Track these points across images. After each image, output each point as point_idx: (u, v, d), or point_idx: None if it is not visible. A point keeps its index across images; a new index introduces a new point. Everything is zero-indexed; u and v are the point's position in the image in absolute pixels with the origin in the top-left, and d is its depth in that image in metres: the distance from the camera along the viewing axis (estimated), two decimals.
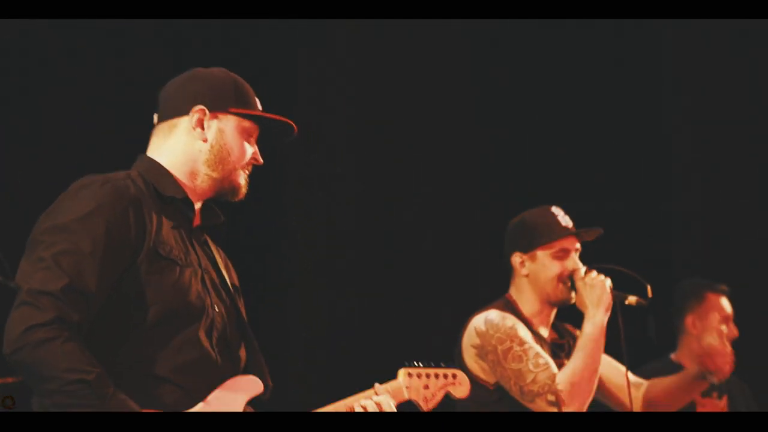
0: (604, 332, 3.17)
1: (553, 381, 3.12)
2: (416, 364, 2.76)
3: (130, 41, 5.39)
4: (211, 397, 2.37)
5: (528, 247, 3.29)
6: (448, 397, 2.91)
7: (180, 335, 2.30)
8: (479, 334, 3.20)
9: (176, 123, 2.44)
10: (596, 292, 3.18)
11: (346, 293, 5.67)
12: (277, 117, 2.49)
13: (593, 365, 3.15)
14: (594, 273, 3.23)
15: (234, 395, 2.44)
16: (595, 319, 3.16)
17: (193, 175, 2.41)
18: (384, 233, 5.84)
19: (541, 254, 3.28)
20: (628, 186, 5.99)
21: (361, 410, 2.54)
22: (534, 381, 3.12)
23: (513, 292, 3.34)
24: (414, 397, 2.73)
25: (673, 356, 4.21)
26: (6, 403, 2.37)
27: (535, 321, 3.30)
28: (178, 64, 3.58)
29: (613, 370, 3.43)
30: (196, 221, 2.45)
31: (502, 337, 3.18)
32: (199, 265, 2.40)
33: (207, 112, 2.40)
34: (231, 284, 2.51)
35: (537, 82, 6.41)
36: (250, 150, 2.44)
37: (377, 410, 2.55)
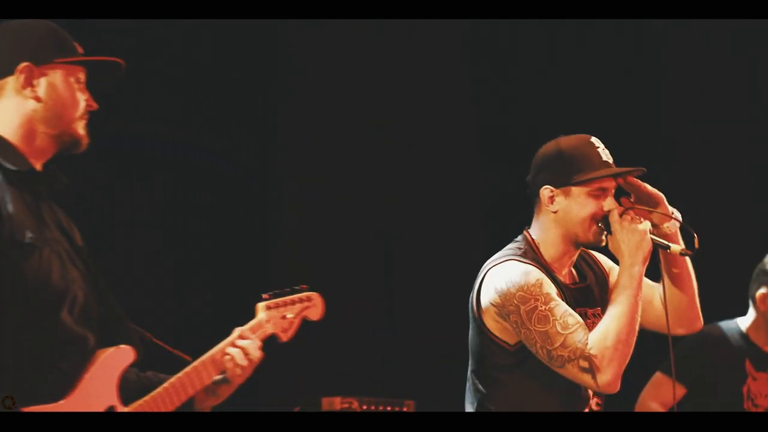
0: (641, 285, 2.84)
1: (586, 345, 2.79)
2: (271, 294, 2.70)
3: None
4: (86, 378, 2.34)
5: (563, 181, 2.93)
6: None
7: (48, 321, 2.25)
8: (500, 293, 2.87)
9: (2, 85, 2.34)
10: (636, 238, 2.84)
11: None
12: (104, 57, 2.44)
13: (631, 324, 2.80)
14: (634, 216, 2.90)
15: (105, 371, 2.39)
16: (633, 270, 2.83)
17: (30, 136, 2.32)
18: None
19: (577, 190, 2.91)
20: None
21: (230, 359, 2.47)
22: (563, 345, 2.80)
23: (535, 230, 2.99)
24: (275, 330, 2.66)
25: (741, 324, 4.18)
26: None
27: (556, 266, 2.96)
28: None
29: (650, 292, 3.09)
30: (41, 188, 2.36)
31: (526, 295, 2.85)
32: (54, 239, 2.32)
33: (33, 68, 2.31)
34: (81, 247, 2.42)
35: (538, 80, 6.45)
36: (83, 98, 2.38)
37: (244, 356, 2.49)
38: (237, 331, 2.49)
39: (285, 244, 6.32)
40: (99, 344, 2.38)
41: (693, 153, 6.06)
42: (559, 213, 2.89)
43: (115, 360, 2.41)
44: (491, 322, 2.86)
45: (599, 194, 2.87)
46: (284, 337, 2.63)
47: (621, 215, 2.84)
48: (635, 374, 4.18)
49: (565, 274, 2.95)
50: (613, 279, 2.97)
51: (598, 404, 3.01)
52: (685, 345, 3.97)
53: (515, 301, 2.79)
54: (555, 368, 2.79)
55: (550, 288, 2.81)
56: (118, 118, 5.70)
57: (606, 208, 2.86)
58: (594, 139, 2.92)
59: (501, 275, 2.83)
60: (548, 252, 2.91)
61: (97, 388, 2.35)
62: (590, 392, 2.97)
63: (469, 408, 2.98)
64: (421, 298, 3.99)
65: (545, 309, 2.78)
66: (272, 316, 2.62)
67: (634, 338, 2.78)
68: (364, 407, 4.83)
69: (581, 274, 2.99)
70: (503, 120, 6.61)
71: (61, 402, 2.25)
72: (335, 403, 4.83)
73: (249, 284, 5.77)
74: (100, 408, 2.33)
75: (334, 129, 6.37)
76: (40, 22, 2.42)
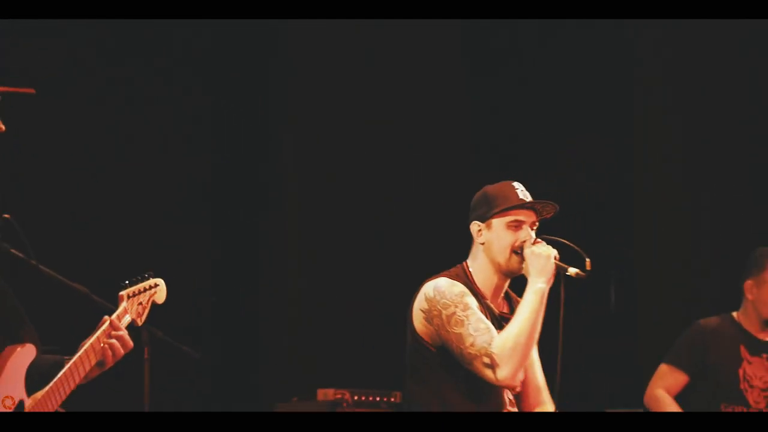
0: (545, 301, 3.32)
1: (490, 345, 3.29)
2: (127, 282, 3.03)
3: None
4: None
5: (485, 216, 3.46)
6: None
7: None
8: (428, 299, 3.40)
9: None
10: (541, 261, 3.36)
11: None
12: (11, 89, 2.78)
13: (530, 331, 3.30)
14: (541, 243, 3.40)
15: (14, 367, 2.77)
16: (536, 287, 3.33)
17: None
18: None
19: (497, 223, 3.45)
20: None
21: (108, 349, 2.84)
22: (472, 345, 3.31)
23: (470, 260, 3.51)
24: (133, 317, 3.01)
25: (734, 314, 4.65)
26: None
27: (487, 292, 3.48)
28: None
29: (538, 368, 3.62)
30: None
31: (448, 302, 3.38)
32: None
33: None
34: None
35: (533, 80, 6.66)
36: None
37: (121, 346, 2.85)
38: (107, 319, 2.87)
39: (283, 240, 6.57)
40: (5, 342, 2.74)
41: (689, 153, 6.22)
42: (486, 244, 3.42)
43: (21, 357, 2.79)
44: (420, 326, 3.39)
45: (516, 225, 3.39)
46: (139, 322, 3.01)
47: (533, 243, 3.36)
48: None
49: (498, 303, 3.47)
50: None
51: (511, 403, 3.49)
52: (685, 336, 4.68)
53: (439, 307, 3.32)
54: (465, 365, 3.28)
55: (471, 300, 3.33)
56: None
57: (522, 238, 3.38)
58: (515, 183, 3.46)
59: (432, 286, 3.37)
60: (479, 279, 3.44)
61: (8, 383, 2.73)
62: (506, 398, 3.45)
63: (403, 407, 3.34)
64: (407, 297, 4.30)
65: (462, 315, 3.31)
66: (131, 305, 2.98)
67: (533, 343, 3.31)
68: (356, 398, 5.32)
69: (511, 307, 3.48)
70: (497, 120, 6.84)
71: None
72: (329, 394, 5.32)
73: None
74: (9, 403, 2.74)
75: (330, 128, 6.55)
76: None
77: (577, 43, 6.73)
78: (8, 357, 2.74)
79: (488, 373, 3.34)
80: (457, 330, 3.38)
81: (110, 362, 2.88)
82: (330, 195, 6.49)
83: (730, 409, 4.63)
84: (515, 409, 3.55)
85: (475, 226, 3.50)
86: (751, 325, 4.63)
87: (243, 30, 6.57)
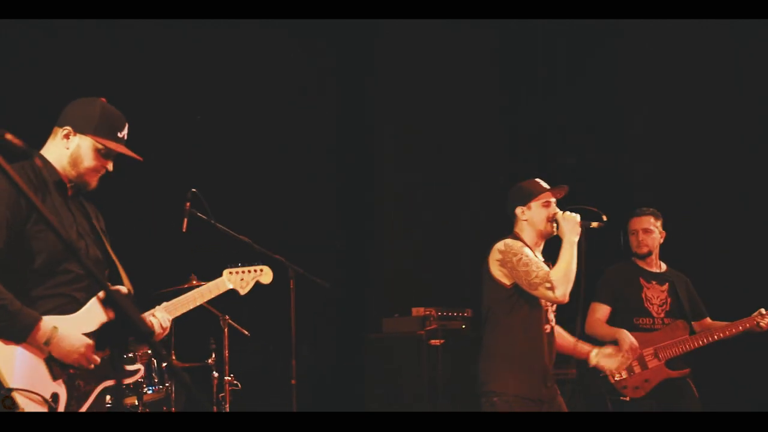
0: (575, 246, 4.33)
1: (548, 274, 4.28)
2: (236, 265, 3.89)
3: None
4: (89, 304, 3.21)
5: (525, 201, 4.51)
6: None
7: (63, 265, 3.16)
8: (500, 251, 4.38)
9: (56, 131, 3.33)
10: (570, 224, 4.37)
11: None
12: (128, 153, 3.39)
13: (571, 265, 4.29)
14: (568, 212, 4.42)
15: (98, 304, 3.22)
16: (571, 240, 4.34)
17: (63, 168, 3.31)
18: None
19: (534, 205, 4.49)
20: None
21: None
22: (537, 276, 4.29)
23: (518, 231, 4.52)
24: (233, 286, 3.87)
25: (633, 258, 5.65)
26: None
27: (533, 248, 4.46)
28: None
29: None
30: (70, 192, 3.32)
31: (516, 252, 4.35)
32: (74, 220, 3.27)
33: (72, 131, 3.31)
34: (99, 228, 3.39)
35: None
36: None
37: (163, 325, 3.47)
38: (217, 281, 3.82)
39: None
40: (105, 280, 3.11)
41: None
42: (529, 220, 4.50)
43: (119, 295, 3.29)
44: (496, 272, 4.41)
45: (547, 204, 4.48)
46: (242, 292, 3.91)
47: (563, 213, 4.41)
48: None
49: (538, 254, 4.47)
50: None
51: (550, 324, 4.46)
52: (603, 281, 5.64)
53: (510, 255, 4.35)
54: (532, 291, 4.31)
55: (529, 251, 4.39)
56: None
57: (552, 212, 4.46)
58: (538, 179, 4.55)
59: (502, 243, 4.41)
60: (527, 240, 4.47)
61: (92, 311, 3.21)
62: (547, 318, 4.43)
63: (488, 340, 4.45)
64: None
65: (526, 259, 4.34)
66: (231, 279, 3.86)
67: (574, 273, 4.29)
68: (440, 313, 6.26)
69: (545, 260, 4.51)
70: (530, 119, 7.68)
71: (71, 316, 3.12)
72: (420, 311, 6.28)
73: None
74: (95, 324, 3.19)
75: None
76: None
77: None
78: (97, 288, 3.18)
79: (549, 293, 4.30)
80: (524, 268, 4.32)
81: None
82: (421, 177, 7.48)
83: (640, 321, 5.49)
84: (554, 326, 4.51)
85: (519, 210, 4.53)
86: (644, 264, 5.59)
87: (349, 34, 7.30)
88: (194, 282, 5.38)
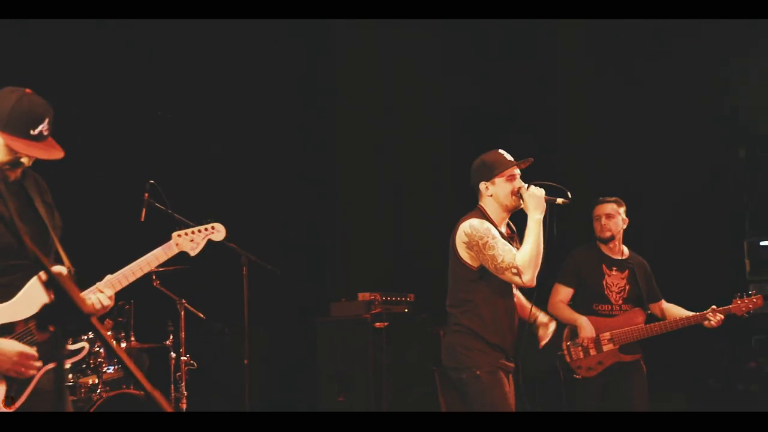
0: (541, 224, 4.13)
1: (514, 259, 4.10)
2: (185, 226, 3.56)
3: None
4: (27, 286, 3.10)
5: (490, 176, 4.29)
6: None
7: (3, 257, 3.05)
8: (467, 234, 4.19)
9: None
10: (535, 199, 4.17)
11: None
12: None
13: (538, 247, 4.10)
14: (533, 187, 4.22)
15: (38, 285, 3.07)
16: (535, 217, 4.14)
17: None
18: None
19: (498, 180, 4.28)
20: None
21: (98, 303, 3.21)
22: (503, 260, 4.11)
23: (482, 205, 4.31)
24: (184, 248, 3.50)
25: (597, 243, 5.74)
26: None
27: (497, 223, 4.27)
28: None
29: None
30: (12, 178, 3.14)
31: (482, 234, 4.15)
32: (8, 209, 2.91)
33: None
34: (41, 204, 3.21)
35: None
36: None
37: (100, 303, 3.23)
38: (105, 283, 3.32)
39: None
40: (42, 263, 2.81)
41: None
42: (494, 195, 4.29)
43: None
44: (463, 253, 4.24)
45: (511, 178, 4.27)
46: (192, 253, 3.53)
47: (527, 187, 4.24)
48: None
49: (503, 228, 4.33)
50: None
51: (515, 296, 4.39)
52: (567, 263, 5.76)
53: (476, 238, 4.16)
54: (499, 275, 4.15)
55: (495, 231, 4.20)
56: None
57: (517, 186, 4.27)
58: (500, 150, 4.34)
59: (468, 224, 4.22)
60: (493, 215, 4.30)
61: (31, 294, 3.10)
62: (514, 300, 4.34)
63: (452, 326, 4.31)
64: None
65: (492, 242, 4.15)
66: (181, 241, 3.50)
67: (541, 255, 4.11)
68: (384, 298, 6.43)
69: (511, 231, 4.41)
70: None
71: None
72: (366, 296, 6.45)
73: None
74: (36, 305, 3.06)
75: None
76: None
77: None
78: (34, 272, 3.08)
79: (516, 279, 4.12)
80: (491, 252, 4.14)
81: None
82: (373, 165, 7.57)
83: (599, 308, 5.59)
84: (517, 296, 4.39)
85: (482, 185, 4.30)
86: (607, 250, 5.68)
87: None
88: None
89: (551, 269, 4.32)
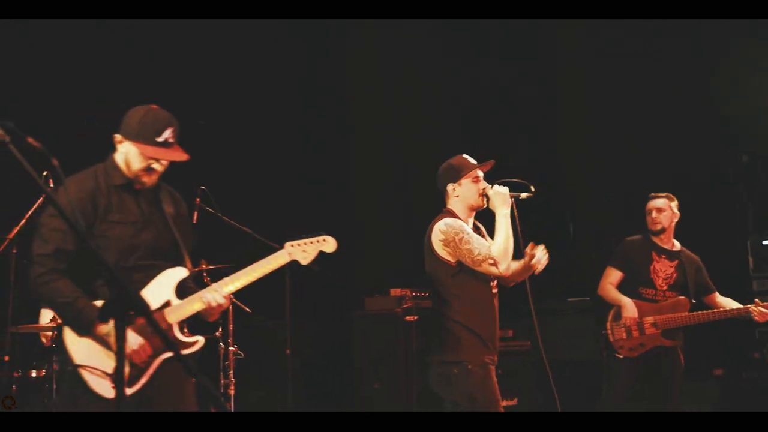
0: (509, 218, 4.31)
1: (489, 251, 4.28)
2: (297, 237, 3.64)
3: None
4: (152, 284, 3.45)
5: (456, 179, 4.48)
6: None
7: (133, 257, 3.41)
8: (442, 232, 4.35)
9: (115, 138, 3.51)
10: (501, 197, 4.37)
11: None
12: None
13: (509, 239, 4.29)
14: (497, 186, 4.40)
15: (162, 282, 3.47)
16: (502, 213, 4.34)
17: (124, 169, 3.52)
18: None
19: (465, 181, 4.47)
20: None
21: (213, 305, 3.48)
22: (479, 253, 4.29)
23: (450, 207, 4.49)
24: (295, 258, 3.60)
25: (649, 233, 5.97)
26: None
27: (465, 222, 4.46)
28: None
29: None
30: (138, 187, 3.50)
31: (457, 230, 4.32)
32: (141, 213, 3.47)
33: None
34: (170, 215, 3.56)
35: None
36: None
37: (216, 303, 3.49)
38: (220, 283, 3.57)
39: None
40: (165, 267, 3.46)
41: None
42: (460, 196, 4.50)
43: (174, 273, 3.50)
44: (440, 250, 4.38)
45: (476, 179, 4.47)
46: (303, 262, 3.64)
47: (492, 187, 4.43)
48: None
49: (470, 227, 4.49)
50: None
51: (495, 285, 4.48)
52: (619, 248, 6.00)
53: (452, 235, 4.33)
54: (476, 267, 4.29)
55: (468, 228, 4.42)
56: None
57: (482, 186, 4.46)
58: (465, 155, 4.53)
59: (442, 223, 4.40)
60: (461, 215, 4.48)
61: (158, 284, 3.44)
62: (493, 290, 4.44)
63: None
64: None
65: (467, 237, 4.33)
66: (293, 251, 3.61)
67: (512, 243, 4.29)
68: (413, 294, 6.70)
69: (476, 227, 4.58)
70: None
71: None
72: (397, 291, 6.70)
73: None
74: (160, 300, 3.40)
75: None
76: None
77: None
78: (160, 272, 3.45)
79: (492, 269, 4.28)
80: (467, 246, 4.31)
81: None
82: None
83: (644, 291, 5.79)
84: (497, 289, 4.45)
85: (450, 187, 4.50)
86: (658, 241, 5.91)
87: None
88: (204, 266, 5.94)
89: (518, 257, 4.46)
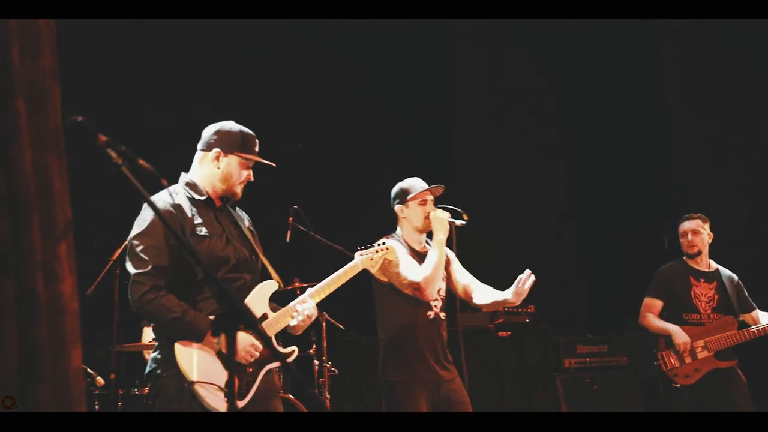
0: (444, 244, 4.52)
1: (416, 276, 4.47)
2: (364, 246, 3.98)
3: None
4: (249, 297, 3.56)
5: (404, 200, 4.69)
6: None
7: (221, 270, 3.50)
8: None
9: (205, 155, 3.68)
10: (439, 222, 4.57)
11: None
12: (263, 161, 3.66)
13: (438, 266, 4.48)
14: (439, 211, 4.58)
15: (258, 296, 3.62)
16: (438, 238, 4.54)
17: (213, 186, 3.66)
18: None
19: (412, 204, 4.68)
20: None
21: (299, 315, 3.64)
22: (405, 278, 4.50)
23: (399, 228, 4.73)
24: (365, 266, 4.00)
25: (684, 258, 5.99)
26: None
27: (412, 243, 4.68)
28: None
29: (462, 274, 4.78)
30: (218, 204, 3.64)
31: (388, 257, 4.29)
32: (223, 229, 3.59)
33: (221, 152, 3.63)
34: (247, 231, 3.70)
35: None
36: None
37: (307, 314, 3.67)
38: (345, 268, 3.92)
39: None
40: (254, 283, 3.60)
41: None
42: (407, 218, 4.71)
43: (266, 287, 3.65)
44: (377, 274, 4.55)
45: (423, 202, 4.67)
46: (372, 270, 4.08)
47: (434, 212, 4.59)
48: None
49: (421, 247, 4.70)
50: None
51: (437, 308, 4.62)
52: (656, 277, 6.02)
53: (385, 261, 4.33)
54: (404, 290, 4.50)
55: (402, 251, 4.56)
56: None
57: (428, 210, 4.65)
58: (416, 178, 4.71)
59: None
60: (407, 236, 4.70)
61: (255, 299, 3.58)
62: (433, 305, 4.58)
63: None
64: None
65: (397, 261, 4.50)
66: (363, 261, 3.99)
67: (441, 271, 4.49)
68: (506, 309, 6.65)
69: (428, 248, 4.68)
70: None
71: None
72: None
73: None
74: (258, 313, 3.55)
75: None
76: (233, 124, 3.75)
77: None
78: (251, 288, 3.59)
79: (417, 293, 4.52)
80: (395, 270, 4.54)
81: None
82: None
83: (688, 317, 5.79)
84: (439, 312, 4.63)
85: (398, 208, 4.73)
86: (694, 264, 5.92)
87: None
88: (297, 284, 6.04)
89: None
